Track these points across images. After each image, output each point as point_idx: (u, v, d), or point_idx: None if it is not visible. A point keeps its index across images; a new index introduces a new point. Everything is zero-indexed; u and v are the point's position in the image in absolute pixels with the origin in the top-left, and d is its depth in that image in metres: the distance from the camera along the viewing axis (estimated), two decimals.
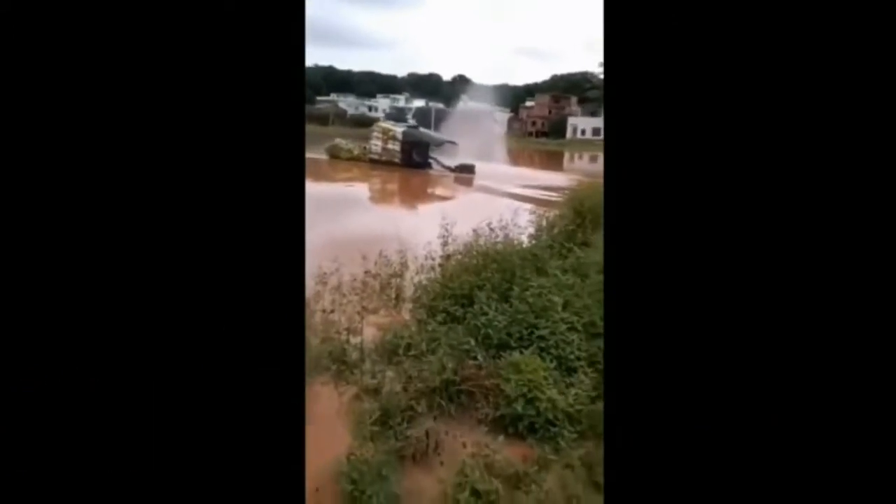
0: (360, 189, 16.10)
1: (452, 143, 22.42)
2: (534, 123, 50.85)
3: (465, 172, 19.17)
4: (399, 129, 20.76)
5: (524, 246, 5.27)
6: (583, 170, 24.75)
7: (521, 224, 5.66)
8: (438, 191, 15.95)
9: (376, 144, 20.63)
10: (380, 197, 15.19)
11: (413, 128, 22.00)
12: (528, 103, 56.69)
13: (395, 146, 20.19)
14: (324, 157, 21.34)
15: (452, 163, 20.14)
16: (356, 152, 21.26)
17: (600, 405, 2.91)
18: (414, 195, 15.50)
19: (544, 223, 6.00)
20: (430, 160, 20.56)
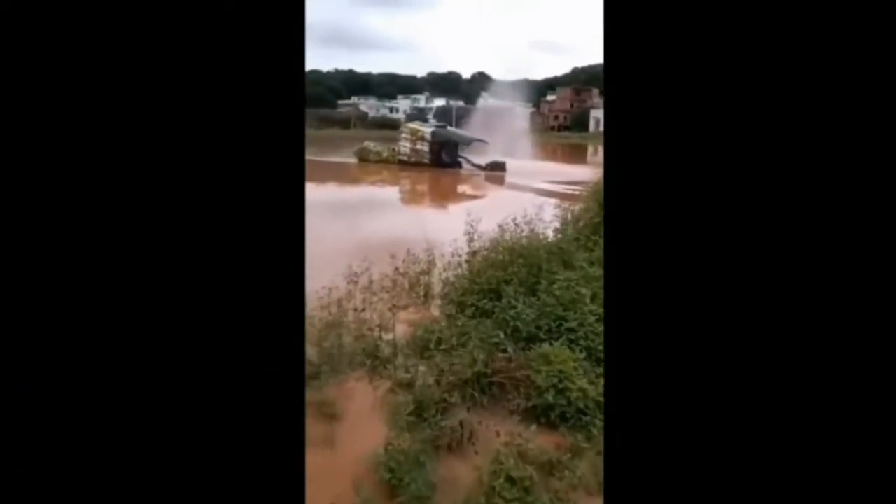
0: (390, 190, 16.11)
1: (482, 141, 22.05)
2: (556, 117, 50.45)
3: (496, 170, 18.81)
4: (428, 130, 20.57)
5: (550, 240, 5.30)
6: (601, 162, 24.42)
7: (546, 219, 5.68)
8: (469, 190, 15.76)
9: (405, 146, 20.51)
10: (410, 198, 15.08)
11: (441, 127, 21.76)
12: (549, 97, 56.22)
13: (424, 147, 20.05)
14: (353, 160, 21.36)
15: (483, 161, 19.77)
16: (385, 154, 21.18)
17: None
18: (444, 195, 15.33)
19: (569, 217, 6.00)
20: (460, 159, 20.34)
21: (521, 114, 31.40)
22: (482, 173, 18.81)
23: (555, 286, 3.82)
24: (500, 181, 17.03)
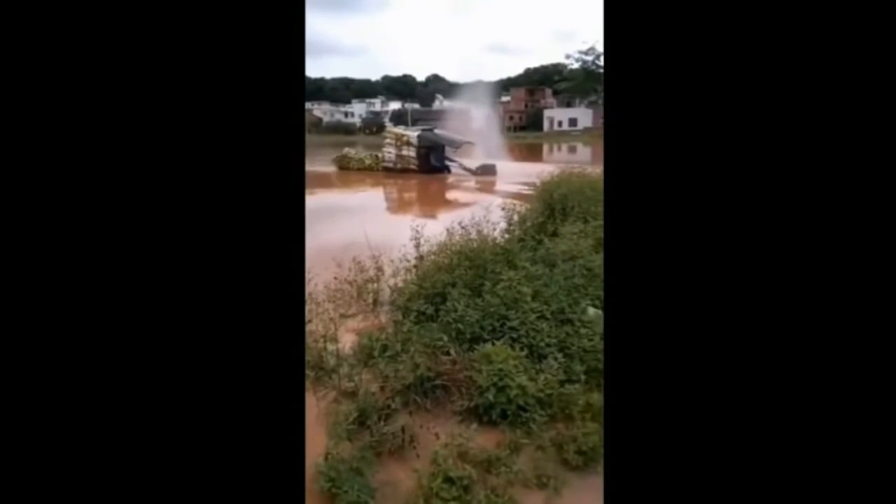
0: (371, 199, 14.97)
1: (470, 143, 21.03)
2: (511, 118, 51.19)
3: (486, 173, 17.78)
4: (413, 134, 19.35)
5: (497, 241, 5.42)
6: (565, 160, 24.86)
7: (493, 220, 5.80)
8: (460, 195, 14.65)
9: (390, 152, 19.34)
10: (397, 206, 13.99)
11: (428, 130, 20.45)
12: (504, 98, 57.05)
13: (410, 152, 18.86)
14: (331, 169, 20.07)
15: (472, 164, 18.76)
16: (368, 162, 20.05)
17: (570, 388, 3.06)
18: (433, 202, 14.21)
19: (515, 218, 6.15)
20: (449, 163, 19.24)
21: (487, 115, 31.47)
22: (472, 177, 17.81)
23: (498, 286, 3.92)
24: (491, 186, 15.80)
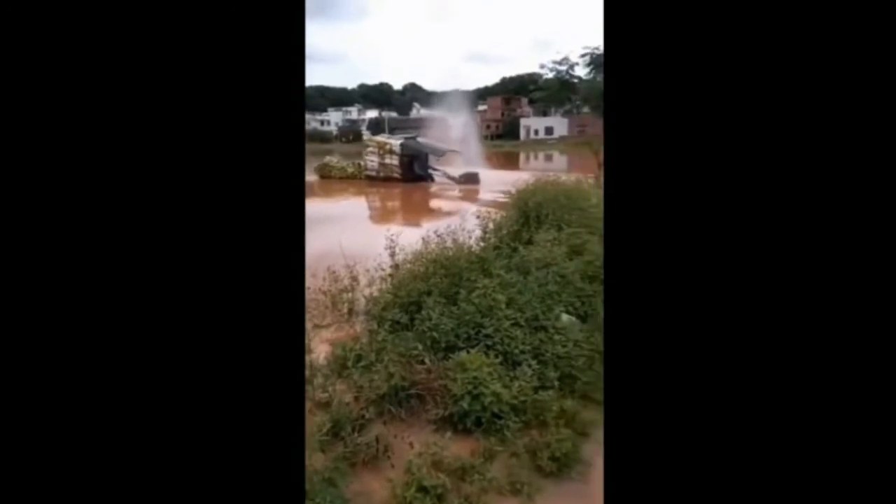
0: (353, 208, 14.68)
1: (455, 151, 20.73)
2: (488, 126, 51.63)
3: (470, 182, 17.45)
4: (396, 142, 19.00)
5: (473, 249, 5.46)
6: (542, 168, 25.09)
7: (469, 228, 5.84)
8: (443, 204, 14.40)
9: (372, 160, 19.00)
10: (380, 216, 13.66)
11: (411, 139, 20.08)
12: (481, 107, 57.55)
13: (393, 160, 18.57)
14: (312, 177, 19.43)
15: (455, 172, 18.37)
16: (350, 170, 19.73)
17: (544, 394, 3.09)
18: (416, 211, 13.92)
19: (491, 225, 6.20)
20: (432, 171, 18.95)
21: (465, 123, 31.56)
22: (456, 186, 17.48)
23: (473, 294, 3.95)
24: (474, 194, 15.38)
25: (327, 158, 21.12)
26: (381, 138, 20.10)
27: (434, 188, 17.47)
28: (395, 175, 18.45)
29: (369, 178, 18.88)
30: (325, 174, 19.90)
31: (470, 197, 14.87)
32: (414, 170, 18.67)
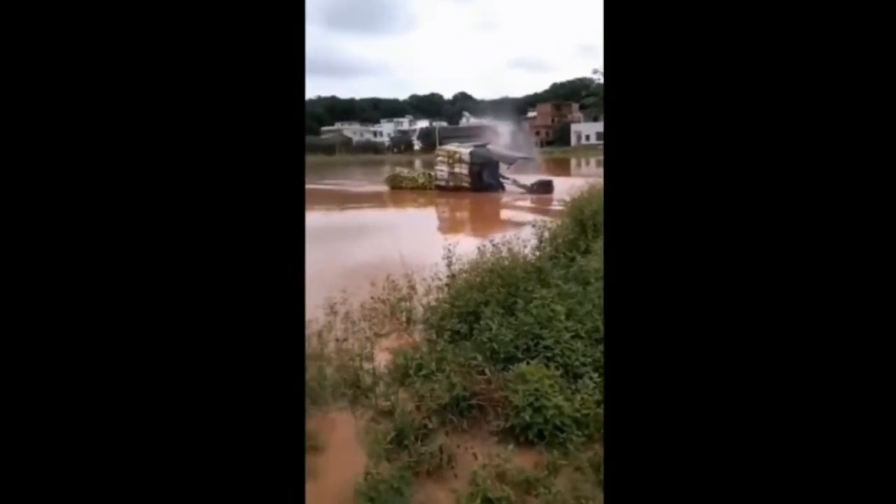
0: (420, 218, 14.66)
1: (528, 158, 20.39)
2: (538, 133, 51.20)
3: (543, 190, 16.77)
4: (465, 151, 18.66)
5: (529, 259, 5.42)
6: (594, 174, 24.53)
7: (524, 237, 5.80)
8: (513, 214, 13.83)
9: (442, 170, 18.80)
10: (449, 227, 13.32)
11: (480, 146, 19.83)
12: (531, 114, 57.17)
13: (463, 169, 18.27)
14: (383, 188, 19.83)
15: (528, 181, 17.82)
16: (421, 180, 19.70)
17: None
18: (485, 221, 13.37)
19: (546, 235, 6.13)
20: (503, 180, 18.62)
21: (513, 131, 31.39)
22: (528, 195, 16.98)
23: (531, 305, 3.92)
24: (546, 204, 14.43)
25: (398, 169, 21.21)
26: (450, 147, 19.77)
27: (505, 198, 16.94)
28: (465, 184, 18.09)
29: (439, 187, 18.60)
30: (396, 185, 19.87)
31: (542, 207, 14.06)
32: (483, 179, 18.27)
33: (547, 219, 6.87)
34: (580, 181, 9.83)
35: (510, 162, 19.15)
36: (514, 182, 18.23)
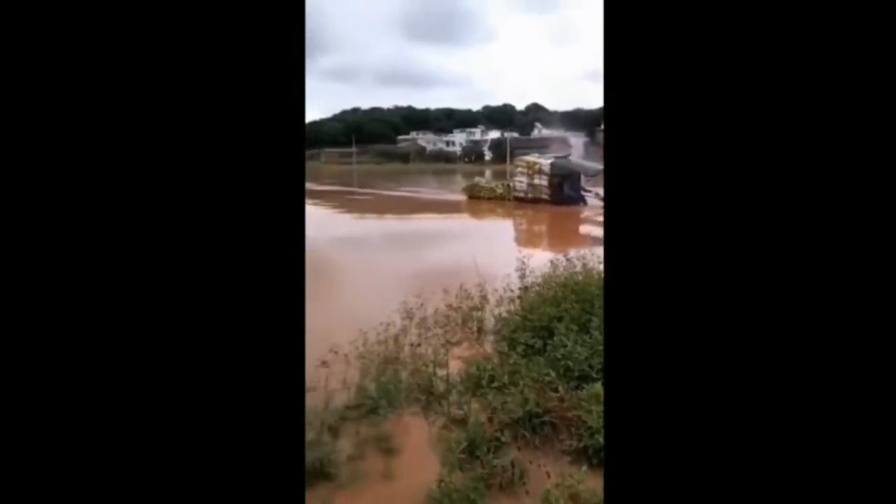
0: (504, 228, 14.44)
1: None
2: None
3: None
4: (546, 162, 17.96)
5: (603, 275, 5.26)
6: None
7: (599, 253, 5.64)
8: (593, 229, 12.82)
9: (521, 181, 18.18)
10: (526, 239, 12.83)
11: (562, 157, 19.08)
12: (604, 126, 55.63)
13: (542, 181, 17.63)
14: (460, 197, 19.75)
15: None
16: (499, 191, 19.08)
17: None
18: (563, 236, 12.68)
19: None
20: (585, 193, 17.74)
21: (574, 143, 30.87)
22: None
23: None
24: None
25: (476, 179, 20.92)
26: (530, 158, 19.08)
27: (586, 212, 16.11)
28: (545, 196, 17.48)
29: (518, 199, 18.04)
30: (474, 195, 19.53)
31: None
32: (564, 191, 17.58)
33: None
34: None
35: (593, 174, 18.11)
36: (597, 195, 17.14)
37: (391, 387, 3.47)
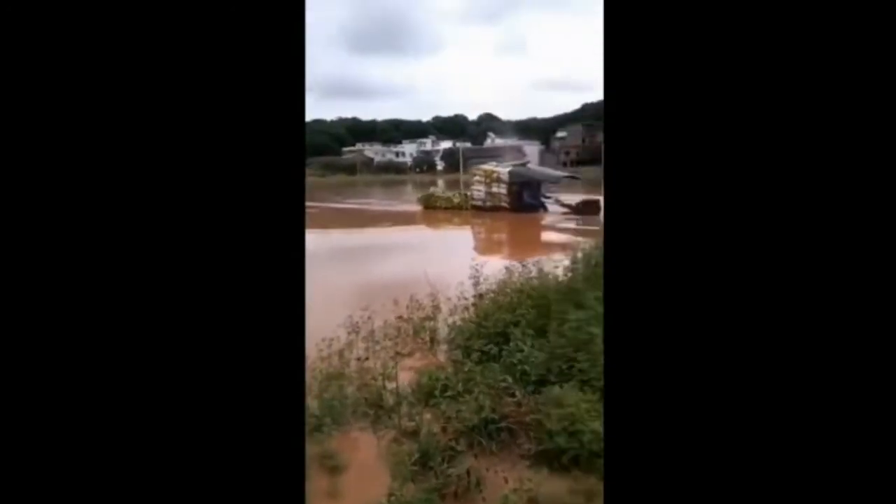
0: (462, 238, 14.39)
1: (574, 177, 19.99)
2: (567, 153, 51.38)
3: (589, 210, 16.03)
4: (504, 170, 18.50)
5: (560, 279, 5.41)
6: None
7: (556, 257, 5.80)
8: (555, 236, 13.24)
9: (479, 190, 18.63)
10: (485, 248, 12.86)
11: (520, 165, 19.87)
12: (560, 134, 57.48)
13: (501, 189, 18.08)
14: (413, 207, 19.70)
15: (572, 200, 17.55)
16: (456, 200, 19.44)
17: None
18: (525, 243, 12.85)
19: (580, 255, 6.11)
20: (545, 199, 18.40)
21: (529, 151, 31.67)
22: (573, 215, 16.58)
23: (565, 327, 3.89)
24: (594, 225, 13.41)
25: (432, 189, 21.23)
26: (488, 166, 19.55)
27: (548, 218, 16.58)
28: (504, 204, 17.81)
29: (476, 208, 18.33)
30: (430, 205, 19.66)
31: (589, 228, 13.23)
32: (524, 199, 17.95)
33: (591, 241, 6.84)
34: None
35: (554, 181, 18.79)
36: (558, 201, 17.91)
37: (336, 403, 3.41)
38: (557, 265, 5.92)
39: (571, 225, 14.98)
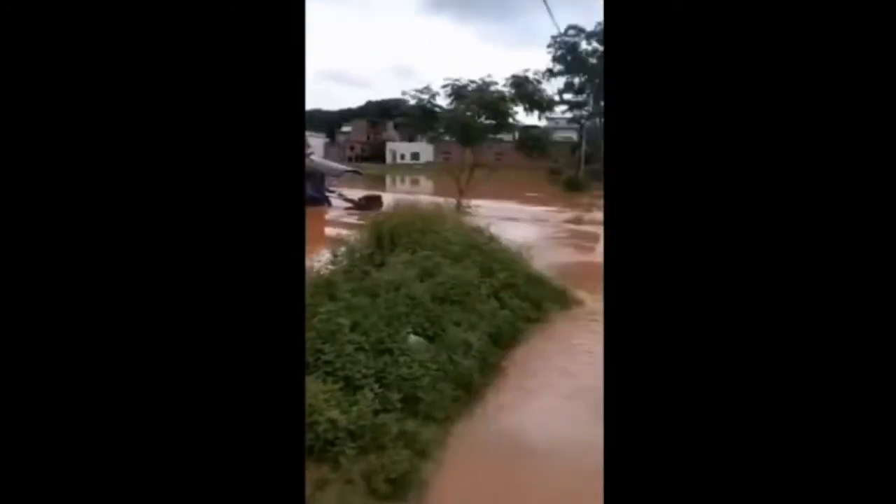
0: None
1: (356, 172, 19.89)
2: (352, 148, 52.05)
3: (371, 205, 16.39)
4: None
5: (321, 273, 5.52)
6: (409, 192, 25.61)
7: (317, 251, 5.89)
8: (339, 230, 12.89)
9: None
10: None
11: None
12: (345, 128, 57.91)
13: None
14: None
15: (355, 195, 18.03)
16: None
17: (383, 417, 3.23)
18: (310, 238, 12.40)
19: (343, 249, 6.32)
20: (329, 193, 18.55)
21: (312, 144, 31.34)
22: (355, 210, 16.90)
23: (315, 319, 4.01)
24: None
25: None
26: None
27: (331, 213, 16.66)
28: None
29: None
30: None
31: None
32: (307, 192, 17.28)
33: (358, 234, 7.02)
34: (403, 198, 10.21)
35: (337, 174, 18.87)
36: (341, 196, 18.16)
37: None
38: (320, 259, 6.02)
39: (354, 220, 15.14)
